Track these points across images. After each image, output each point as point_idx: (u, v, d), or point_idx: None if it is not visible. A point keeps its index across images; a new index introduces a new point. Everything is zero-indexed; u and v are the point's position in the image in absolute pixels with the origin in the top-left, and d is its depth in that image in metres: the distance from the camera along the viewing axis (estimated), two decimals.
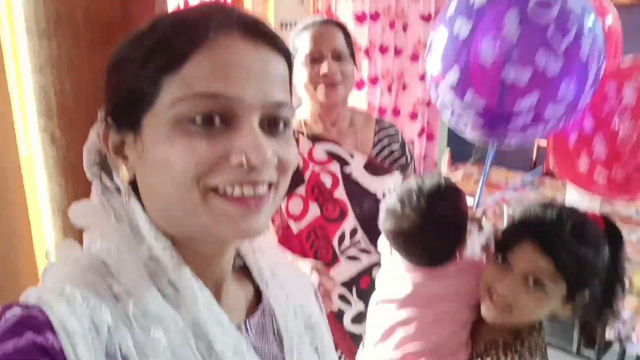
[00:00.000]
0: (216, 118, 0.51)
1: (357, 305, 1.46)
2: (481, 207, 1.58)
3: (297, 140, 1.45)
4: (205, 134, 0.51)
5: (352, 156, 1.45)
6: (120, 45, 0.55)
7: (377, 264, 1.37)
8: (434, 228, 1.01)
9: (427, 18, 3.19)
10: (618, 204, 2.76)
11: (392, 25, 3.11)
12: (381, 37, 3.04)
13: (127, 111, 0.54)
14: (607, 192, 1.54)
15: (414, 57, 3.30)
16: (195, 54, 0.51)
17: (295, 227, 1.43)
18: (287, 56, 0.57)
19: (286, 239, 1.46)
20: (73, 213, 0.59)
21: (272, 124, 0.55)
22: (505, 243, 0.96)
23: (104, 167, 0.60)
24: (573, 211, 0.94)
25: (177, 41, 0.51)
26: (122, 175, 0.57)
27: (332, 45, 1.37)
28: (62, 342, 0.46)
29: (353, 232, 1.43)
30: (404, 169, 1.53)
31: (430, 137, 3.63)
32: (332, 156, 1.45)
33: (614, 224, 0.97)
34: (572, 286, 0.91)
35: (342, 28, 1.43)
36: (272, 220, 1.46)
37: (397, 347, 1.04)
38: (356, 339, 1.43)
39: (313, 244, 1.43)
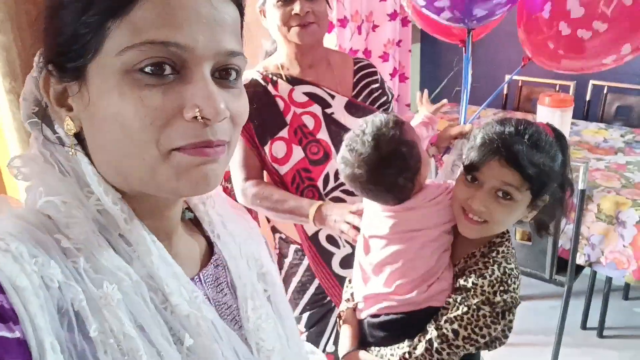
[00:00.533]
0: (166, 67, 0.49)
1: (345, 248, 1.50)
2: (469, 123, 1.62)
3: (275, 84, 1.44)
4: (156, 85, 0.49)
5: (332, 97, 1.45)
6: None
7: None
8: (383, 167, 1.04)
9: None
10: (586, 134, 2.83)
11: None
12: None
13: (70, 59, 0.50)
14: (578, 60, 1.72)
15: None
16: None
17: (280, 171, 1.44)
18: (238, 3, 0.56)
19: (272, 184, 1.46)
20: (13, 166, 0.55)
21: (223, 74, 0.53)
22: (472, 163, 1.01)
23: (45, 117, 0.56)
24: (527, 123, 1.01)
25: None
26: (67, 126, 0.53)
27: None
28: (12, 301, 0.44)
29: (337, 174, 1.43)
30: (385, 107, 1.54)
31: (402, 78, 3.62)
32: (313, 98, 1.44)
33: (559, 130, 1.05)
34: (536, 193, 1.00)
35: None
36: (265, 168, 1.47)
37: (387, 283, 1.08)
38: (344, 283, 1.47)
39: (298, 187, 1.44)
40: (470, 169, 1.02)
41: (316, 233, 1.49)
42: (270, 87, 1.44)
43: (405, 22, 3.49)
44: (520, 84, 3.44)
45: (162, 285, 0.54)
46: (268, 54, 1.55)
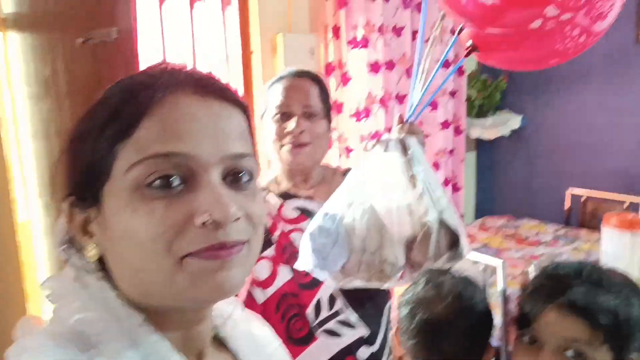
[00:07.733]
0: (174, 179, 0.50)
1: None
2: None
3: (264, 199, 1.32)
4: (165, 197, 0.50)
5: None
6: (76, 123, 0.55)
7: (364, 341, 1.23)
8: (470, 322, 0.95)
9: (446, 64, 3.09)
10: None
11: (408, 73, 3.01)
12: (397, 86, 2.94)
13: (87, 186, 0.53)
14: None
15: (434, 106, 3.18)
16: (145, 118, 0.50)
17: (261, 296, 1.23)
18: (243, 107, 0.57)
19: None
20: (46, 287, 0.56)
21: (235, 177, 0.54)
22: (525, 316, 0.84)
23: (75, 245, 0.58)
24: (583, 262, 0.85)
25: (126, 108, 0.51)
26: (89, 253, 0.55)
27: (304, 101, 1.23)
28: None
29: (332, 301, 1.23)
30: None
31: (455, 188, 3.47)
32: (305, 213, 1.28)
33: (626, 274, 0.87)
34: (618, 348, 0.78)
35: (319, 82, 1.29)
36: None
37: None
38: None
39: (284, 316, 1.22)
40: (524, 325, 0.84)
41: None
42: None
43: (458, 130, 3.39)
44: (584, 199, 3.18)
45: None
46: None
